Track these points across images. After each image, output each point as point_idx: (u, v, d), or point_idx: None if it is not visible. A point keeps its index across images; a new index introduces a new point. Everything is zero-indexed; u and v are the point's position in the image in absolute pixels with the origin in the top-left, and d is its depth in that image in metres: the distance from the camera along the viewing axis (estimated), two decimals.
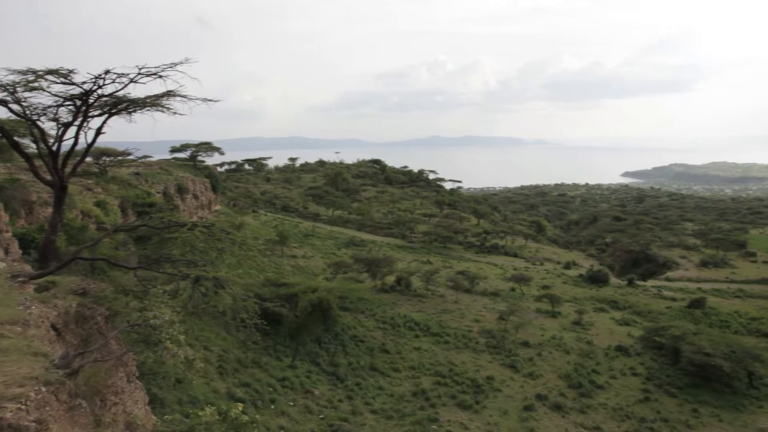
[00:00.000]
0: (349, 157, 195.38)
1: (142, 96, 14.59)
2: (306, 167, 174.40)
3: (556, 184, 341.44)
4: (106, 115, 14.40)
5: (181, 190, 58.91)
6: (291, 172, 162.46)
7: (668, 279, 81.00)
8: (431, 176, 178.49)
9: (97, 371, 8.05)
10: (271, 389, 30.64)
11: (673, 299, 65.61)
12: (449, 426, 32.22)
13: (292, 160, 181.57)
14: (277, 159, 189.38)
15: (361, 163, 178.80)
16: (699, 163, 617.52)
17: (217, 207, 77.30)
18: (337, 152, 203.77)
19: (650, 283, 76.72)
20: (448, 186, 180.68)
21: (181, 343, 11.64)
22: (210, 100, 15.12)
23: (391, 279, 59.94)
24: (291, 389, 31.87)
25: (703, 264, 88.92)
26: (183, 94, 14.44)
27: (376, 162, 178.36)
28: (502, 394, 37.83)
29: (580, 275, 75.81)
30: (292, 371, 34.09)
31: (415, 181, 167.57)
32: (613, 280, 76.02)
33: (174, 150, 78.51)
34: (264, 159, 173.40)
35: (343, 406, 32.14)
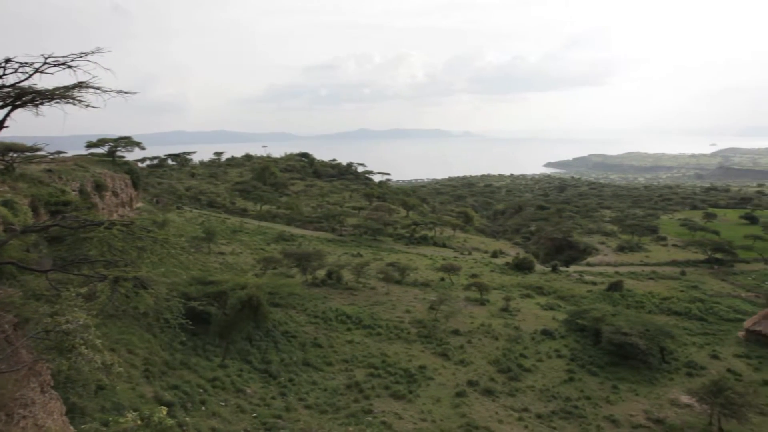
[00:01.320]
0: (277, 151, 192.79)
1: (51, 87, 13.68)
2: (232, 162, 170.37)
3: (483, 175, 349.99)
4: (9, 108, 13.42)
5: (100, 187, 56.13)
6: (217, 167, 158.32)
7: (589, 264, 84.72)
8: (360, 169, 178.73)
9: (3, 383, 7.46)
10: (202, 390, 29.77)
11: (594, 283, 68.74)
12: (383, 416, 32.42)
13: (218, 154, 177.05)
14: (202, 153, 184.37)
15: (289, 157, 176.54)
16: (615, 153, 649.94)
17: (139, 204, 74.26)
18: (264, 146, 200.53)
19: (572, 268, 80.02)
20: (377, 178, 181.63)
21: (98, 348, 11.01)
22: (126, 93, 14.40)
23: (321, 273, 59.61)
24: (222, 389, 31.08)
25: (620, 249, 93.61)
26: (96, 85, 13.66)
27: (305, 155, 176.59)
28: (435, 382, 38.46)
29: (507, 263, 78.04)
30: (223, 371, 33.25)
31: (344, 174, 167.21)
32: (538, 267, 78.74)
33: (90, 145, 74.55)
34: (188, 154, 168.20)
35: (276, 404, 31.68)
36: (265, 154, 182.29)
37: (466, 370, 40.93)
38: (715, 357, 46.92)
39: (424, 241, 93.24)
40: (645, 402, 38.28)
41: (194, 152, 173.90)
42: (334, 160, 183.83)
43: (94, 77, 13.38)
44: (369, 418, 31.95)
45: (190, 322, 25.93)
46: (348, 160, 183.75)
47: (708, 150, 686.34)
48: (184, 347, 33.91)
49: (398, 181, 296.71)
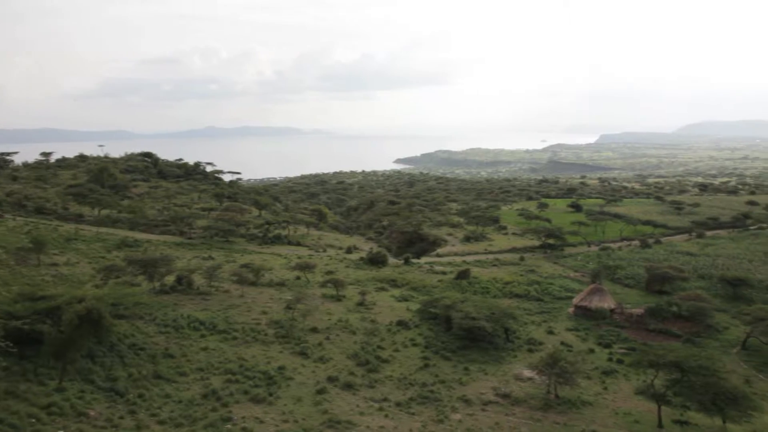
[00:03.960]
0: (116, 151, 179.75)
1: None
2: (64, 163, 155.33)
3: (335, 172, 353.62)
4: None
5: None
6: (45, 169, 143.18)
7: (438, 255, 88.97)
8: (209, 168, 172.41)
9: None
10: (34, 420, 26.85)
11: (444, 273, 72.40)
12: (244, 422, 31.56)
13: (46, 155, 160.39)
14: (26, 154, 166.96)
15: (130, 157, 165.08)
16: (459, 149, 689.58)
17: None
18: (101, 145, 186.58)
19: (423, 260, 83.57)
20: (227, 178, 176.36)
21: None
22: None
23: (170, 279, 56.46)
24: (60, 415, 28.26)
25: (467, 239, 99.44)
26: None
27: (148, 155, 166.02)
28: (295, 381, 38.19)
29: (361, 258, 79.52)
30: (60, 394, 30.23)
31: (192, 174, 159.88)
32: (391, 260, 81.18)
33: None
34: (8, 154, 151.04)
35: (125, 423, 29.49)
36: (102, 154, 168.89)
37: (325, 367, 41.14)
38: (551, 332, 51.88)
39: (278, 240, 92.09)
40: (493, 380, 41.23)
41: (16, 153, 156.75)
42: (181, 159, 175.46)
43: None
44: (228, 426, 30.93)
45: (12, 345, 23.11)
46: (195, 160, 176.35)
47: (540, 146, 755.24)
48: (8, 373, 30.29)
49: (249, 180, 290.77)
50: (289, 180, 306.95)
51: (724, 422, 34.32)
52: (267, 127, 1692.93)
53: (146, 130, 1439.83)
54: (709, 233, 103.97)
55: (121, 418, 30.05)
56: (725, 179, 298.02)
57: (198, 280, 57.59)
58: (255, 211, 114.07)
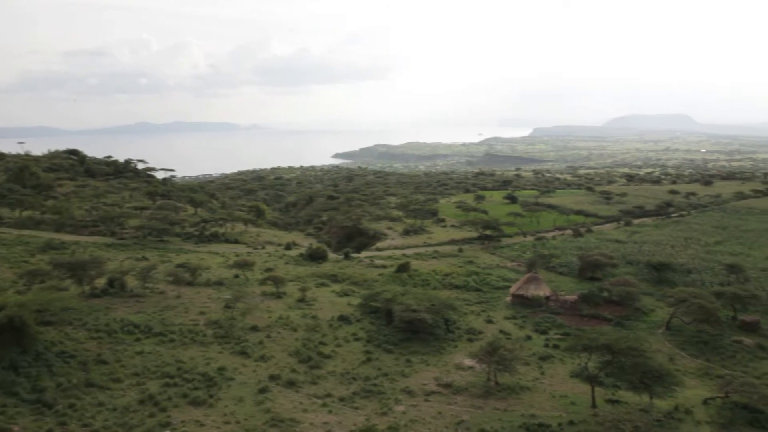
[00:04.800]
0: (39, 148, 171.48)
1: None
2: None
3: (273, 168, 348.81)
4: None
5: None
6: None
7: (378, 249, 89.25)
8: (140, 166, 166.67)
9: None
10: None
11: (384, 267, 72.75)
12: (184, 427, 30.82)
13: None
14: None
15: (54, 155, 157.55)
16: (397, 143, 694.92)
17: None
18: (20, 142, 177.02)
19: (364, 254, 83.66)
20: (160, 175, 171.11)
21: None
22: None
23: (101, 282, 54.22)
24: None
25: (406, 232, 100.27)
26: None
27: (74, 152, 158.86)
28: (236, 382, 37.51)
29: (301, 254, 78.82)
30: None
31: (122, 172, 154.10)
32: (331, 255, 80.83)
33: None
34: None
35: None
36: (22, 152, 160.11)
37: (267, 366, 40.58)
38: (489, 321, 53.09)
39: (215, 238, 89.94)
40: (435, 370, 41.81)
41: None
42: (110, 157, 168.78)
43: None
44: None
45: None
46: (126, 157, 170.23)
47: (476, 139, 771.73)
48: None
49: (184, 177, 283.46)
50: (225, 176, 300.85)
51: (651, 398, 36.08)
52: (202, 122, 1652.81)
53: (72, 127, 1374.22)
54: (635, 221, 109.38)
55: (50, 430, 28.67)
56: (649, 170, 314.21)
57: (131, 281, 55.62)
58: (190, 209, 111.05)
